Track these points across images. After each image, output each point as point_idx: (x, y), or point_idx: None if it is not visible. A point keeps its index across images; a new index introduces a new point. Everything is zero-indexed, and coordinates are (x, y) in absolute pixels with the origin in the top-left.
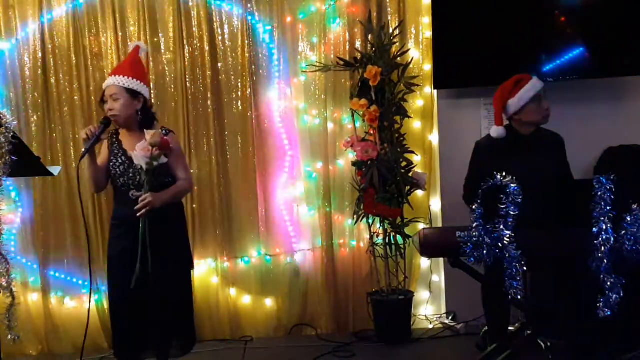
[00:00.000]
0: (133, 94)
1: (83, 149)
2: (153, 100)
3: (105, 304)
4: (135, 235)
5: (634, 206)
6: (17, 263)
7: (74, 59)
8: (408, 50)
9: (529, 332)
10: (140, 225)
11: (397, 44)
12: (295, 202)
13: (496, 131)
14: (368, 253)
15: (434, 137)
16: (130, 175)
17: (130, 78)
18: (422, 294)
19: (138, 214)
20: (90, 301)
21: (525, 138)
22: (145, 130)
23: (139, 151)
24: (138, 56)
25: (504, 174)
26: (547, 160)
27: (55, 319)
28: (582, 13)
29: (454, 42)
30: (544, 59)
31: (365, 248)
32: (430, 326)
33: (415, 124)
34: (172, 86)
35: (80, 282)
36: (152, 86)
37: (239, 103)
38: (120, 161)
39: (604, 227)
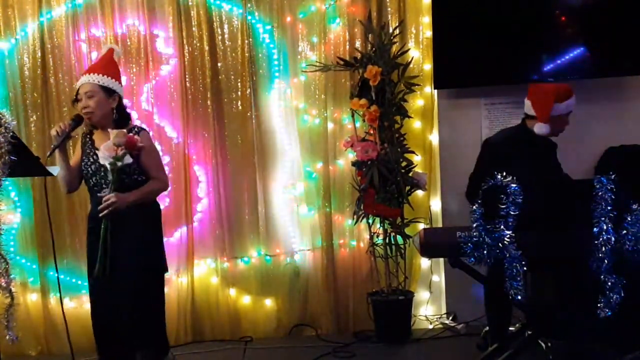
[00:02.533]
0: (108, 91)
1: (52, 145)
2: (153, 100)
3: None
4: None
5: (635, 206)
6: (17, 263)
7: (73, 58)
8: (408, 50)
9: (529, 332)
10: (102, 227)
11: (397, 43)
12: (295, 202)
13: (545, 128)
14: (368, 253)
15: (434, 137)
16: (102, 174)
17: (105, 76)
18: (422, 294)
19: (100, 214)
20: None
21: (537, 139)
22: (109, 130)
23: (104, 151)
24: (112, 57)
25: (515, 173)
26: (551, 162)
27: (55, 319)
28: (582, 13)
29: (454, 41)
30: (544, 59)
31: (365, 248)
32: (431, 326)
33: (416, 124)
34: (172, 86)
35: (79, 282)
36: (151, 86)
37: (239, 103)
38: (91, 160)
39: (605, 227)
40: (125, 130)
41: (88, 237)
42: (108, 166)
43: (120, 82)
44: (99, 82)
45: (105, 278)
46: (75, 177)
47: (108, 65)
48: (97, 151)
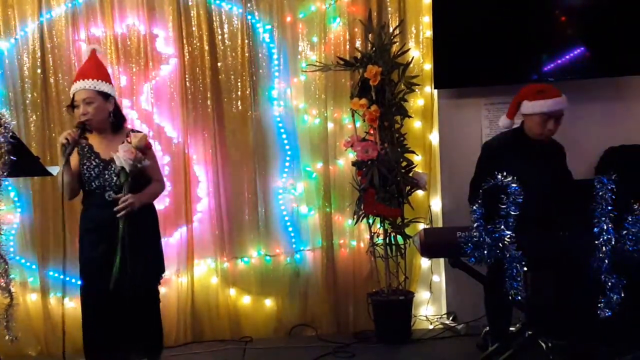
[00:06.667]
0: (105, 96)
1: (64, 155)
2: (153, 100)
3: None
4: (113, 238)
5: (635, 206)
6: (16, 263)
7: (73, 58)
8: (408, 49)
9: (529, 332)
10: (120, 227)
11: (398, 43)
12: (295, 202)
13: (504, 122)
14: (368, 253)
15: (434, 137)
16: (106, 177)
17: (100, 81)
18: (422, 295)
19: (118, 215)
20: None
21: (533, 143)
22: (132, 134)
23: (123, 153)
24: (98, 58)
25: (515, 176)
26: (552, 166)
27: (54, 319)
28: (582, 13)
29: (455, 41)
30: (545, 59)
31: (366, 248)
32: (431, 327)
33: (416, 124)
34: (172, 86)
35: (79, 282)
36: (151, 86)
37: (239, 103)
38: (94, 164)
39: (605, 227)
40: (145, 134)
41: (86, 237)
42: (127, 168)
43: (112, 84)
44: (95, 87)
45: (120, 279)
46: (78, 182)
47: (99, 68)
48: (99, 155)
